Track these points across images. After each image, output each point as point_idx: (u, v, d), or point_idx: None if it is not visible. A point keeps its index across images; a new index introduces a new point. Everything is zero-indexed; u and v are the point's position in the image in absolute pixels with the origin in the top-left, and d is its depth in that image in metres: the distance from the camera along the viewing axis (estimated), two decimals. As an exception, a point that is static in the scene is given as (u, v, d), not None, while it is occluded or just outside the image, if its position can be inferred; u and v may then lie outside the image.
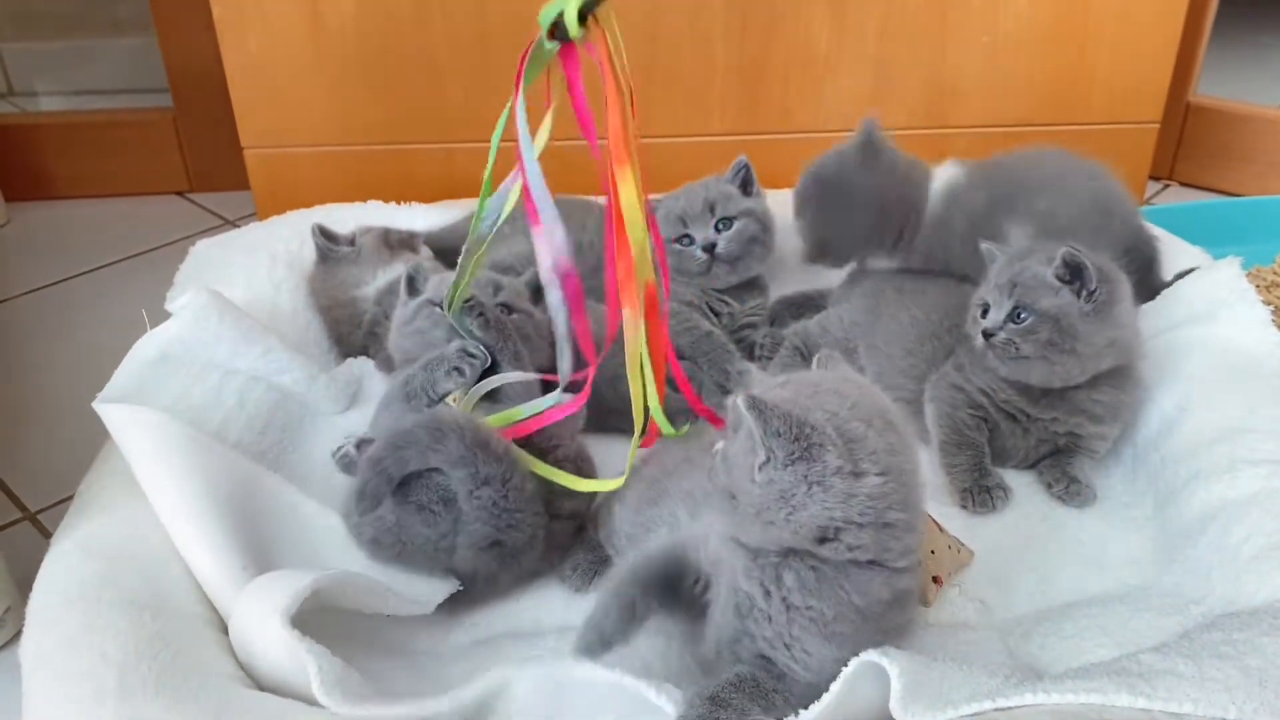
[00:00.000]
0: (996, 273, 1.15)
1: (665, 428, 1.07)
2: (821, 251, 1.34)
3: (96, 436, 1.05)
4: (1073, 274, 1.09)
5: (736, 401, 0.79)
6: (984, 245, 1.18)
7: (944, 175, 1.32)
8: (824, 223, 1.32)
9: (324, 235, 1.38)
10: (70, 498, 1.04)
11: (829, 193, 1.30)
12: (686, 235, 1.35)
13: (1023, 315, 1.10)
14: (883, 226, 1.30)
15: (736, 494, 0.81)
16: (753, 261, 1.39)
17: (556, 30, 0.91)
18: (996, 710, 0.79)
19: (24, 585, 0.97)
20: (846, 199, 1.29)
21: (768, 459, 0.79)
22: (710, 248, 1.34)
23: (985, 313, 1.14)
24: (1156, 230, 1.43)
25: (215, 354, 1.16)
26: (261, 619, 0.84)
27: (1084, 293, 1.09)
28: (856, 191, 1.28)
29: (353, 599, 0.93)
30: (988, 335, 1.12)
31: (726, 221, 1.35)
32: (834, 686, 0.78)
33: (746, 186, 1.38)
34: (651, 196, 1.41)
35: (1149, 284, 1.30)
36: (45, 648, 0.84)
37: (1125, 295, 1.12)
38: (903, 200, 1.30)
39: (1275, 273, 1.58)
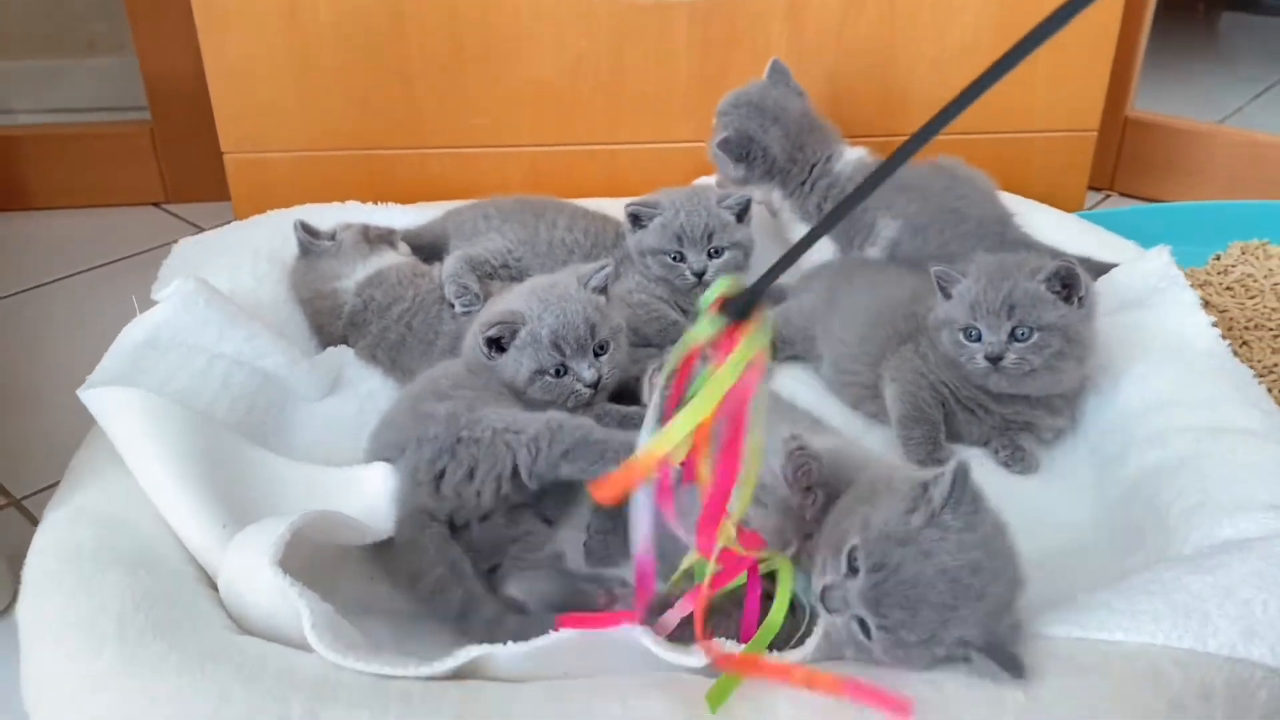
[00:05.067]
0: (975, 296, 1.15)
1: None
2: (742, 154, 1.48)
3: (76, 437, 1.09)
4: (1064, 284, 1.14)
5: None
6: (935, 269, 1.20)
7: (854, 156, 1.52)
8: (749, 131, 1.48)
9: (306, 230, 1.43)
10: (55, 485, 1.05)
11: (751, 105, 1.50)
12: (680, 254, 1.42)
13: (1024, 332, 1.13)
14: (795, 141, 1.49)
15: None
16: None
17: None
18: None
19: (13, 568, 0.99)
20: (764, 110, 1.50)
21: None
22: (700, 273, 1.42)
23: (971, 335, 1.16)
24: (1090, 228, 1.55)
25: (202, 337, 1.20)
26: (251, 569, 0.87)
27: (1076, 299, 1.15)
28: (772, 104, 1.50)
29: (331, 535, 0.97)
30: (994, 359, 1.14)
31: (718, 251, 1.42)
32: (809, 641, 0.86)
33: (741, 216, 1.45)
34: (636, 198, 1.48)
35: None
36: (43, 605, 0.87)
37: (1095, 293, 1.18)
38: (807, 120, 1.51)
39: (1208, 274, 1.67)
